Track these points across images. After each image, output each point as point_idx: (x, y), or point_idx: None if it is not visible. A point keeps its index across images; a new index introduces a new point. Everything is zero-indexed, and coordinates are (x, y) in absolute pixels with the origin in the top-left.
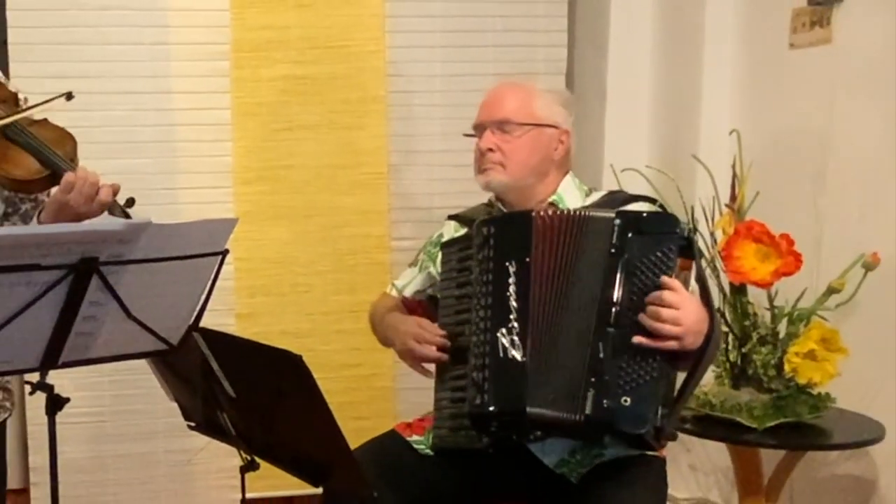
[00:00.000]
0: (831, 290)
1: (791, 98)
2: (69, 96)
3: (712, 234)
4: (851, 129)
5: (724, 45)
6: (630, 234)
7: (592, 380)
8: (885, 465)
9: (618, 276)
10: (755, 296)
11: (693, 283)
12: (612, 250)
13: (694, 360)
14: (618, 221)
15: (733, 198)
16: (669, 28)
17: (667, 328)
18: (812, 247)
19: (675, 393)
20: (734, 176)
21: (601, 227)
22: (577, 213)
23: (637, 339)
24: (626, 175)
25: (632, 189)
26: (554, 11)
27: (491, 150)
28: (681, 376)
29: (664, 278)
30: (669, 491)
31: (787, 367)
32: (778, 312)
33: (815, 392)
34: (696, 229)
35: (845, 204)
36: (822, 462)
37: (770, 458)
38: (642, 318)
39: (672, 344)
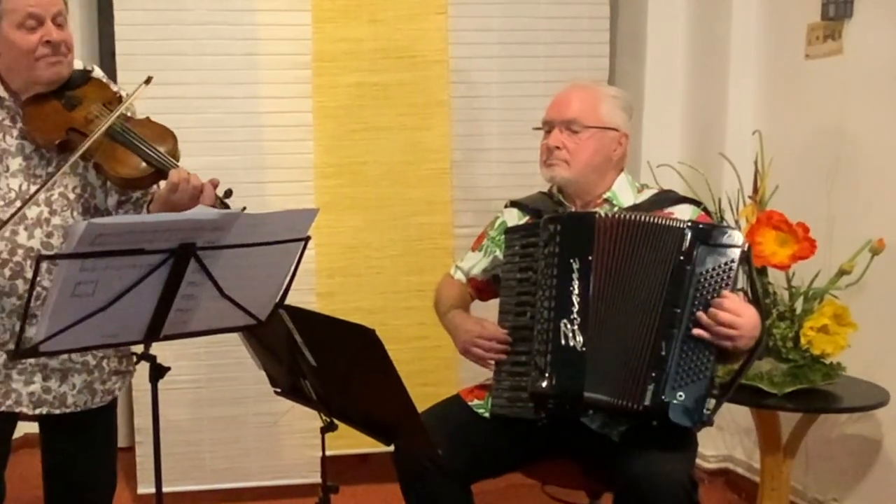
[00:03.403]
0: (842, 272)
1: (807, 103)
2: (148, 80)
3: (737, 223)
4: (860, 130)
5: (748, 56)
6: (699, 245)
7: (653, 374)
8: (890, 426)
9: (685, 281)
10: (775, 277)
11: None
12: (681, 258)
13: (744, 359)
14: (689, 233)
15: (755, 190)
16: (699, 40)
17: (724, 330)
18: (825, 234)
19: (719, 388)
20: (756, 171)
21: (672, 235)
22: (648, 219)
23: (696, 331)
24: (660, 170)
25: (664, 182)
26: (597, 26)
27: (558, 147)
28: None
29: (725, 292)
30: (699, 449)
31: (803, 340)
32: (795, 292)
33: (827, 362)
34: (722, 218)
35: (855, 196)
36: (833, 423)
37: (788, 420)
38: (702, 317)
39: (727, 343)
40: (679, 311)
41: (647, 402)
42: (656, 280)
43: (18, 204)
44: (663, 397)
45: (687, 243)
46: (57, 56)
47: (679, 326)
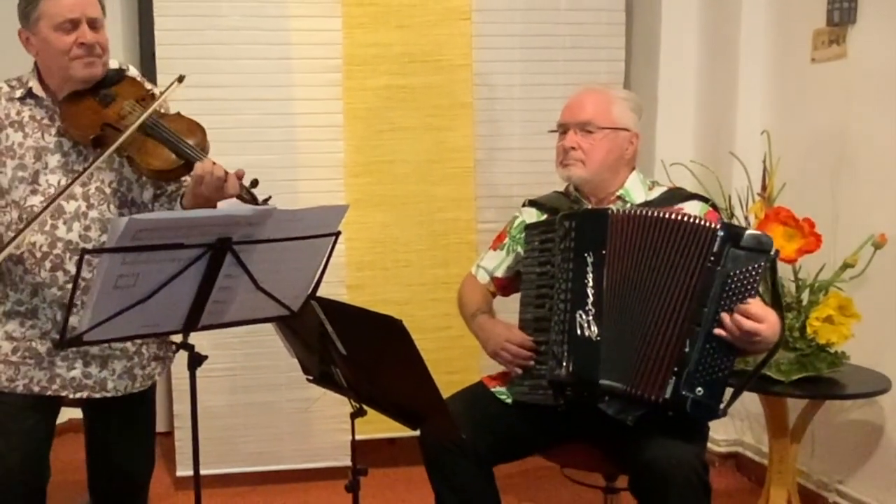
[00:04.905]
0: (846, 266)
1: (813, 104)
2: (181, 79)
3: (746, 219)
4: (863, 130)
5: (756, 60)
6: (729, 247)
7: (675, 369)
8: (892, 411)
9: (714, 282)
10: (782, 270)
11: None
12: (712, 258)
13: (761, 359)
14: (721, 234)
15: (764, 188)
16: (710, 45)
17: (746, 337)
18: (830, 229)
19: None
20: (765, 169)
21: (703, 235)
22: (675, 216)
23: (717, 331)
24: (673, 168)
25: (677, 180)
26: (613, 31)
27: (573, 148)
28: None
29: (749, 299)
30: (710, 434)
31: (809, 330)
32: (801, 284)
33: (832, 351)
34: (732, 214)
35: (858, 193)
36: (838, 409)
37: (795, 406)
38: (726, 320)
39: (747, 347)
40: (706, 310)
41: (667, 395)
42: (682, 277)
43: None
44: (683, 392)
45: (717, 245)
46: (91, 57)
47: (703, 325)
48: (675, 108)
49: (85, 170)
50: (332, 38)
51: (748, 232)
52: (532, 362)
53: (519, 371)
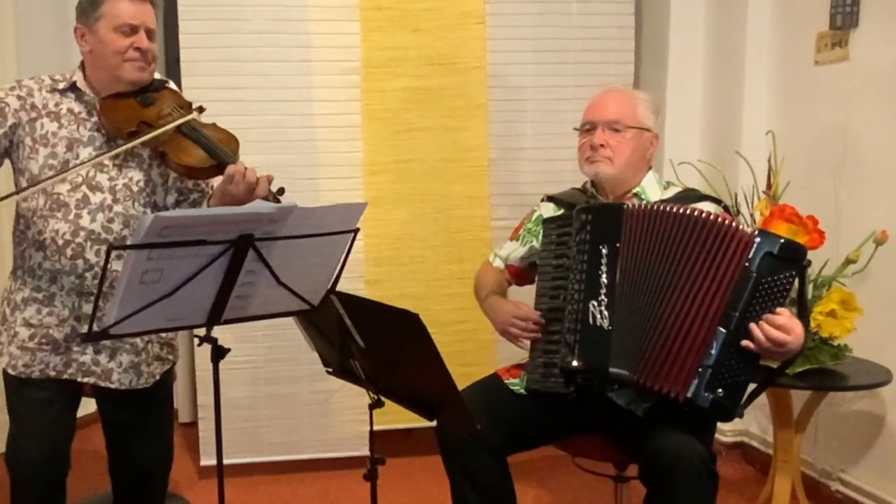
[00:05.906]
0: (848, 261)
1: (816, 105)
2: (201, 109)
3: (752, 216)
4: (865, 130)
5: (762, 62)
6: (765, 254)
7: (700, 370)
8: (893, 403)
9: (747, 287)
10: None
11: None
12: (746, 263)
13: (779, 365)
14: (758, 239)
15: (769, 186)
16: (717, 48)
17: (772, 347)
18: (833, 226)
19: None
20: (770, 168)
21: (739, 239)
22: (710, 217)
23: (745, 343)
24: (681, 168)
25: (685, 178)
26: (623, 34)
27: (602, 145)
28: None
29: (780, 309)
30: (717, 424)
31: (812, 324)
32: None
33: (835, 344)
34: (738, 211)
35: (860, 191)
36: (841, 400)
37: (799, 397)
38: (755, 329)
39: (771, 357)
40: (735, 314)
41: (689, 394)
42: (713, 278)
43: (84, 188)
44: (706, 393)
45: (754, 250)
46: (143, 62)
47: (731, 329)
48: (682, 109)
49: (121, 147)
50: (350, 41)
51: (784, 240)
52: (538, 335)
53: (527, 345)
